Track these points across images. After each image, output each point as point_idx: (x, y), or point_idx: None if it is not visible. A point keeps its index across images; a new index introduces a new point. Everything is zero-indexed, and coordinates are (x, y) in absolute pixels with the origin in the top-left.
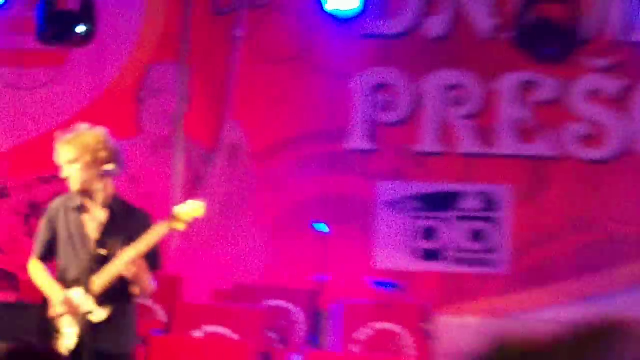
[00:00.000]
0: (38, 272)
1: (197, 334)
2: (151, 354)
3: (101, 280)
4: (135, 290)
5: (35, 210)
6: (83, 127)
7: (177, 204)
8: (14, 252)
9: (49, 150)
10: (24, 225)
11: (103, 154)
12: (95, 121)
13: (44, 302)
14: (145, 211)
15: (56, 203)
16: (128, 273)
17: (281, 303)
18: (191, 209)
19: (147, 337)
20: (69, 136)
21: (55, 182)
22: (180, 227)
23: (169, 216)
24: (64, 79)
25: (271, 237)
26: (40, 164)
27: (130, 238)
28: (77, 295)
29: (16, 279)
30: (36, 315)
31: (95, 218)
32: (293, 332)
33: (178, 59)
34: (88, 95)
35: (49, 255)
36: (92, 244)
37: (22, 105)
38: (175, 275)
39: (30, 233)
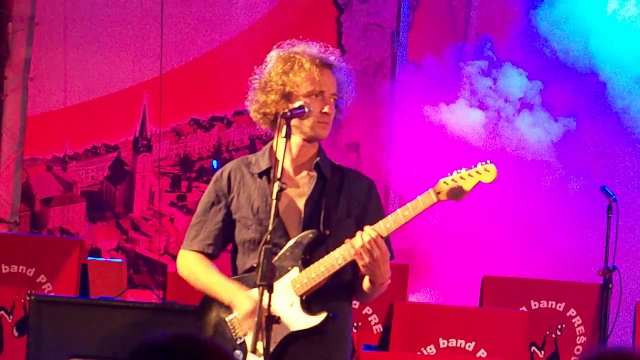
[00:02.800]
0: (199, 267)
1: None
2: None
3: (314, 275)
4: (366, 285)
5: (188, 168)
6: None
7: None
8: (159, 232)
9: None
10: (172, 190)
11: None
12: None
13: (203, 306)
14: (366, 176)
15: (229, 168)
16: (364, 262)
17: None
18: (476, 173)
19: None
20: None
21: (217, 128)
22: (456, 197)
23: (439, 182)
24: None
25: None
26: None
27: (350, 214)
28: (284, 288)
29: (165, 272)
30: (193, 325)
31: (297, 187)
32: None
33: None
34: None
35: (216, 248)
36: (296, 225)
37: None
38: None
39: (185, 204)
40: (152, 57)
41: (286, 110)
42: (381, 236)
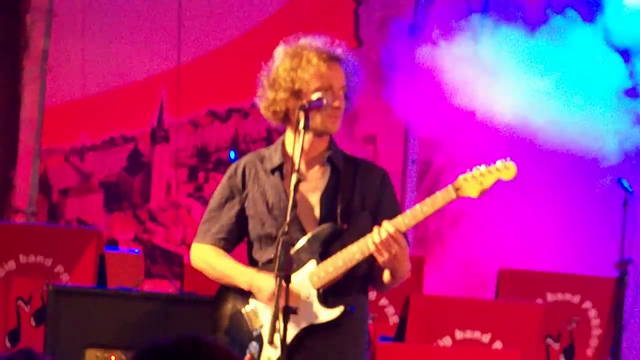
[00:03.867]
0: (214, 256)
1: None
2: None
3: (332, 269)
4: (386, 278)
5: (205, 159)
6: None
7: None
8: (176, 223)
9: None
10: (190, 181)
11: None
12: None
13: (219, 297)
14: (379, 166)
15: (243, 163)
16: (384, 258)
17: None
18: (495, 170)
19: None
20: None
21: (234, 119)
22: (475, 193)
23: (459, 179)
24: None
25: None
26: (214, 90)
27: (365, 205)
28: (301, 281)
29: (182, 263)
30: (209, 316)
31: (310, 182)
32: None
33: None
34: None
35: (228, 243)
36: (311, 219)
37: None
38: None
39: (202, 195)
40: (170, 48)
41: (304, 102)
42: (400, 231)
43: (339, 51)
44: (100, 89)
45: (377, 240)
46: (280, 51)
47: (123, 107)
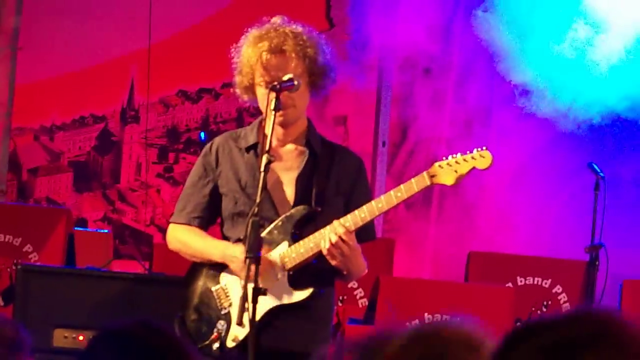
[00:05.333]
0: (188, 235)
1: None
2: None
3: (303, 251)
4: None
5: (175, 139)
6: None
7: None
8: (146, 204)
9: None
10: (159, 161)
11: None
12: None
13: (190, 275)
14: (356, 154)
15: (217, 142)
16: (335, 259)
17: None
18: (471, 158)
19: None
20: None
21: (205, 99)
22: (450, 181)
23: (434, 165)
24: None
25: None
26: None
27: (339, 191)
28: (273, 261)
29: (151, 243)
30: (179, 293)
31: (284, 161)
32: None
33: None
34: None
35: (202, 221)
36: (284, 198)
37: None
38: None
39: (172, 176)
40: (140, 28)
41: (276, 83)
42: (349, 231)
43: (288, 43)
44: (71, 68)
45: (327, 245)
46: (246, 36)
47: (93, 87)
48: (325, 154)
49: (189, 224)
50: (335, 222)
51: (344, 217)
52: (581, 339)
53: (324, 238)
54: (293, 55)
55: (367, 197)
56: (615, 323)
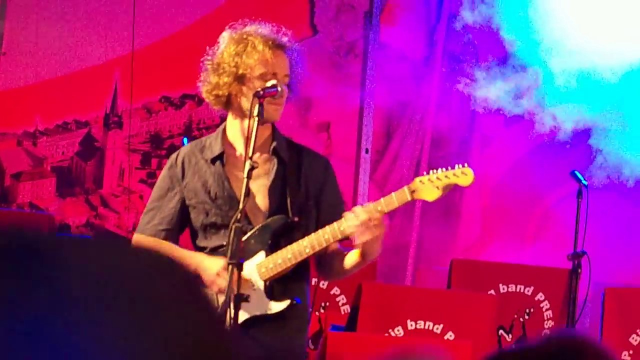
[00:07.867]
0: (159, 248)
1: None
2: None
3: (280, 261)
4: (351, 262)
5: (158, 145)
6: None
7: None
8: (128, 209)
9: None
10: (142, 167)
11: None
12: None
13: None
14: (321, 155)
15: (183, 153)
16: (366, 238)
17: None
18: (452, 175)
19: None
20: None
21: (188, 105)
22: (431, 197)
23: (415, 181)
24: None
25: None
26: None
27: (309, 196)
28: (249, 272)
29: None
30: None
31: (258, 170)
32: None
33: None
34: None
35: (169, 234)
36: (257, 208)
37: None
38: None
39: (155, 182)
40: (124, 33)
41: (259, 89)
42: (382, 213)
43: (284, 39)
44: (54, 73)
45: (363, 217)
46: (225, 36)
47: (77, 92)
48: (292, 160)
49: (156, 236)
50: (371, 204)
51: (375, 202)
52: None
53: (311, 243)
54: (287, 55)
55: (337, 198)
56: (590, 350)
